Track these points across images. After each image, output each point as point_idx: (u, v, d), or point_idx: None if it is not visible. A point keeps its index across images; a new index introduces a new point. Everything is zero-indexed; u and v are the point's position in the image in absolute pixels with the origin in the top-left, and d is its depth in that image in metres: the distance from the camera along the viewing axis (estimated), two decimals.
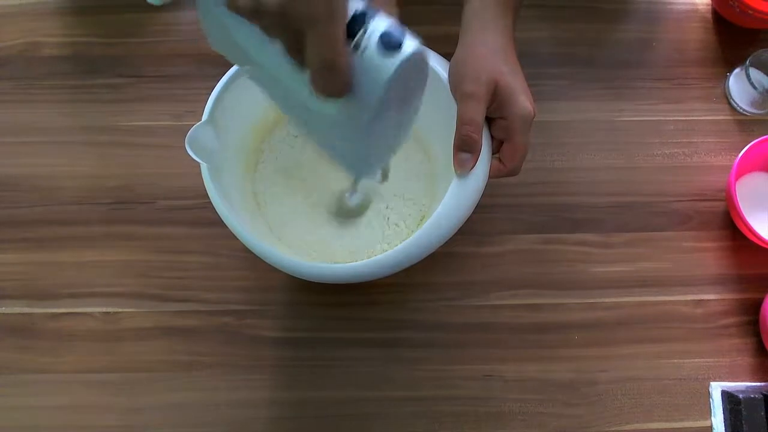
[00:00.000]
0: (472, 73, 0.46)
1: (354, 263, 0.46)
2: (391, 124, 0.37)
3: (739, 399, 0.53)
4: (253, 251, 0.47)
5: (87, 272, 0.58)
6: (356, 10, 0.31)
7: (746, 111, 0.64)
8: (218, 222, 0.48)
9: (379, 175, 0.46)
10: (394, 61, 0.31)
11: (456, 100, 0.47)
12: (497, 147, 0.49)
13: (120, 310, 0.57)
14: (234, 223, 0.47)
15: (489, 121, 0.48)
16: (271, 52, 0.33)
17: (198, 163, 0.47)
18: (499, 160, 0.48)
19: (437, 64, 0.50)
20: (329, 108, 0.34)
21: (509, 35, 0.49)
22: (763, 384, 0.56)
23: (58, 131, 0.63)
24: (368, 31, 0.31)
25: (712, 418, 0.55)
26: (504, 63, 0.47)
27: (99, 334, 0.56)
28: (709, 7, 0.68)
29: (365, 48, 0.31)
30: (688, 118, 0.64)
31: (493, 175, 0.48)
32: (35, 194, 0.60)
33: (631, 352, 0.57)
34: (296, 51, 0.31)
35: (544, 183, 0.61)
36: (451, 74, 0.48)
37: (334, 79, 0.31)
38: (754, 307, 0.58)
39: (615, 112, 0.64)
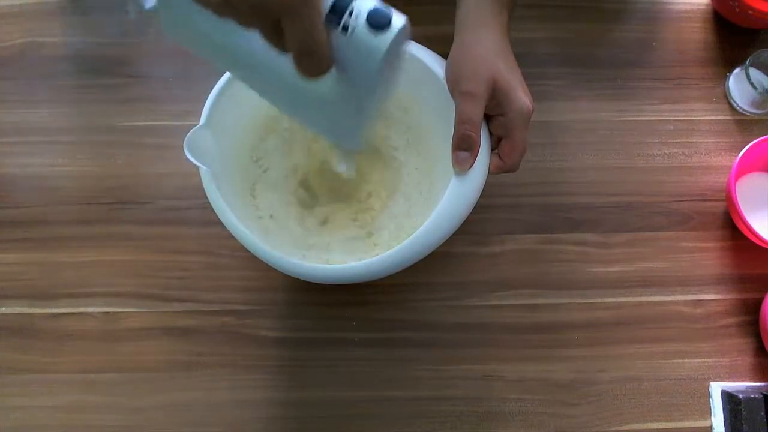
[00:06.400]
0: (469, 72, 0.46)
1: (353, 263, 0.46)
2: (378, 97, 0.38)
3: (739, 399, 0.53)
4: (252, 252, 0.47)
5: (87, 272, 0.58)
6: None
7: (746, 111, 0.64)
8: (218, 222, 0.48)
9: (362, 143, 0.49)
10: (386, 38, 0.32)
11: (454, 99, 0.47)
12: (496, 143, 0.49)
13: (120, 310, 0.57)
14: (233, 225, 0.47)
15: (487, 118, 0.48)
16: (246, 39, 0.33)
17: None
18: (498, 156, 0.48)
19: (435, 63, 0.50)
20: (321, 87, 0.35)
21: (505, 33, 0.49)
22: (763, 384, 0.56)
23: (58, 131, 0.63)
24: (354, 12, 0.32)
25: (712, 418, 0.55)
26: (501, 61, 0.47)
27: (99, 334, 0.56)
28: (709, 7, 0.68)
29: (354, 28, 0.32)
30: (687, 118, 0.64)
31: (493, 172, 0.48)
32: (35, 194, 0.60)
33: (631, 352, 0.57)
34: (275, 37, 0.32)
35: (544, 183, 0.61)
36: (449, 73, 0.48)
37: (315, 62, 0.32)
38: (754, 307, 0.58)
39: (615, 112, 0.64)
